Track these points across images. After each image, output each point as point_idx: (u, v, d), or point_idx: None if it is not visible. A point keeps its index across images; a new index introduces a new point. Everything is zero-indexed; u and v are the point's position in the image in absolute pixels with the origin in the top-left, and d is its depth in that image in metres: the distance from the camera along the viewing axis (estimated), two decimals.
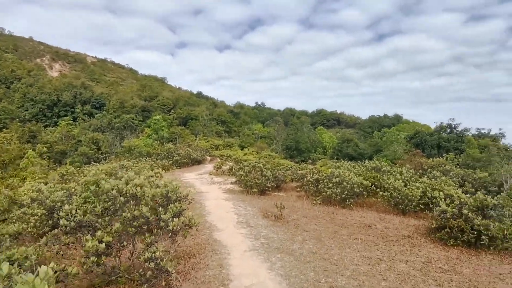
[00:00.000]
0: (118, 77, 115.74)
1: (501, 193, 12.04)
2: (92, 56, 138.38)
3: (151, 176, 14.69)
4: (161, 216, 7.05)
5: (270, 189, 17.45)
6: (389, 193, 14.71)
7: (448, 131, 38.30)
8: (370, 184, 16.51)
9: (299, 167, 26.22)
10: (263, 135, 73.38)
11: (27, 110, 63.01)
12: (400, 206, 14.28)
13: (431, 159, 23.26)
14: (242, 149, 56.53)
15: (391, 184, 15.24)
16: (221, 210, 12.18)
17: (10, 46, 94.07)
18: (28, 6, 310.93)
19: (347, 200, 14.89)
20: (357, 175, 18.02)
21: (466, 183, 16.74)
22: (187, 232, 7.06)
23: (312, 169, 21.28)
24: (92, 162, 27.93)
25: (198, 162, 42.88)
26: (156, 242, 7.00)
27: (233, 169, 23.10)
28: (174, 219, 7.01)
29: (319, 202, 15.08)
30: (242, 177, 17.40)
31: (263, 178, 17.35)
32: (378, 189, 16.59)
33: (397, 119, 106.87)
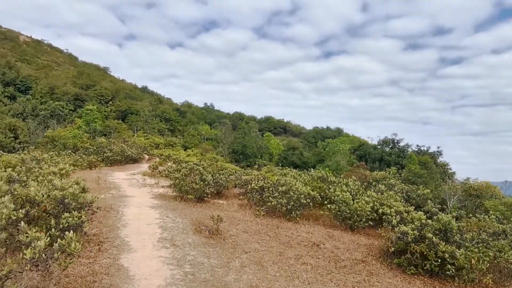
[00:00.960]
0: (53, 60, 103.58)
1: (444, 211, 11.51)
2: (27, 36, 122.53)
3: (53, 173, 11.61)
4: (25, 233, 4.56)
5: (209, 195, 15.30)
6: (336, 206, 13.56)
7: (391, 146, 40.00)
8: (317, 194, 15.32)
9: (244, 172, 24.46)
10: (209, 137, 70.62)
11: None
12: (348, 221, 13.18)
13: (375, 172, 23.22)
14: (185, 150, 53.27)
15: (339, 196, 14.13)
16: (142, 222, 9.72)
17: None
18: None
19: (293, 212, 13.42)
20: (304, 185, 16.80)
21: (410, 199, 16.46)
22: (66, 262, 4.66)
23: (258, 175, 19.63)
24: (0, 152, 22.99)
25: (134, 160, 38.89)
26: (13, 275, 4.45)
27: (167, 171, 20.53)
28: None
29: (262, 213, 13.34)
30: (178, 180, 14.98)
31: (202, 182, 15.13)
32: (325, 201, 15.48)
33: (338, 132, 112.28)
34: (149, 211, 11.28)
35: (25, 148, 30.67)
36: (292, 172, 21.93)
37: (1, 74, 58.66)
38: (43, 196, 6.90)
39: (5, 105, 51.19)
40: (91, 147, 37.11)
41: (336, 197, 14.28)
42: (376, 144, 39.49)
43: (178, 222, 10.17)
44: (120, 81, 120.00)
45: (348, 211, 13.19)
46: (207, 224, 10.14)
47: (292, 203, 13.50)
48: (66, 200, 7.15)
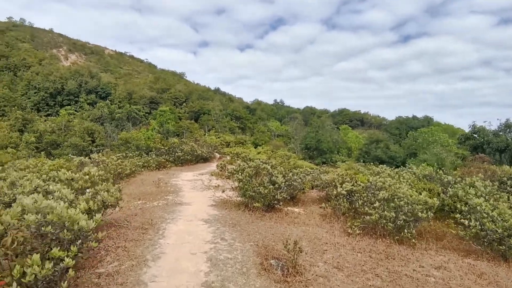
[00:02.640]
0: (133, 69, 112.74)
1: None
2: (111, 50, 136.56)
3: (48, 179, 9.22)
4: None
5: (281, 202, 11.82)
6: (476, 222, 8.86)
7: None
8: (436, 202, 10.66)
9: (322, 170, 20.42)
10: (280, 134, 67.52)
11: (30, 98, 59.93)
12: (499, 246, 8.41)
13: (504, 166, 16.98)
14: (255, 147, 51.05)
15: (477, 205, 9.36)
16: (185, 249, 6.66)
17: (27, 36, 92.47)
18: (57, 5, 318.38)
19: (406, 230, 9.12)
20: (409, 187, 12.23)
21: None
22: None
23: (343, 175, 15.47)
24: (71, 157, 23.10)
25: (205, 159, 37.78)
26: None
27: (231, 171, 17.65)
28: None
29: (357, 231, 9.32)
30: (241, 183, 11.86)
31: (272, 186, 11.73)
32: (450, 212, 10.86)
33: (427, 120, 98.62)
34: (200, 229, 8.25)
35: (101, 150, 31.54)
36: (387, 170, 17.12)
37: (84, 83, 64.65)
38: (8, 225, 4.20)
39: (85, 111, 55.90)
40: (163, 147, 36.92)
41: (471, 207, 9.56)
42: (497, 129, 31.12)
43: (237, 249, 6.86)
44: (194, 84, 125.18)
45: (498, 231, 8.42)
46: (279, 254, 6.65)
47: (404, 217, 9.24)
48: (47, 229, 4.36)
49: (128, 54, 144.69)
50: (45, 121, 47.96)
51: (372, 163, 42.55)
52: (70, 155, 21.72)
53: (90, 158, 20.25)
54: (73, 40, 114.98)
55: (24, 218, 4.29)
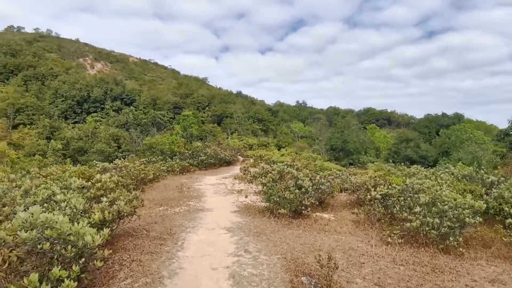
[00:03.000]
0: (158, 76, 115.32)
1: None
2: (136, 58, 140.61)
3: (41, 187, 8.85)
4: None
5: (309, 208, 10.99)
6: None
7: None
8: (483, 205, 9.49)
9: (350, 172, 19.33)
10: (303, 135, 66.22)
11: (57, 107, 62.41)
12: None
13: None
14: (279, 149, 50.17)
15: None
16: (205, 263, 6.05)
17: (54, 46, 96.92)
18: (84, 14, 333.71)
19: (451, 238, 8.09)
20: (450, 189, 11.09)
21: None
22: None
23: (375, 177, 14.39)
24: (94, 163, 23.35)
25: (228, 163, 37.46)
26: None
27: (253, 174, 17.03)
28: None
29: (398, 240, 8.36)
30: (266, 187, 11.17)
31: (298, 190, 10.96)
32: (495, 215, 9.77)
33: (458, 118, 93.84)
34: (222, 239, 7.63)
35: (126, 156, 31.95)
36: (422, 170, 15.84)
37: (110, 90, 66.50)
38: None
39: (110, 118, 57.28)
40: (187, 151, 37.00)
41: None
42: None
43: (263, 263, 6.16)
44: (216, 88, 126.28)
45: None
46: (311, 269, 5.88)
47: (448, 223, 8.21)
48: (45, 246, 3.85)
49: (152, 61, 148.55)
50: (72, 128, 49.67)
51: (402, 164, 40.53)
52: (94, 161, 21.92)
53: (114, 163, 20.31)
54: (99, 49, 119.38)
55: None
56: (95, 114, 61.14)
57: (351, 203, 13.78)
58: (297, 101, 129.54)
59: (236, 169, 34.52)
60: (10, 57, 75.66)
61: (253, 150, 48.79)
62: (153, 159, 25.25)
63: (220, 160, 35.43)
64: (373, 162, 43.67)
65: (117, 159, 27.44)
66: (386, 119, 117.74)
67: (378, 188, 11.83)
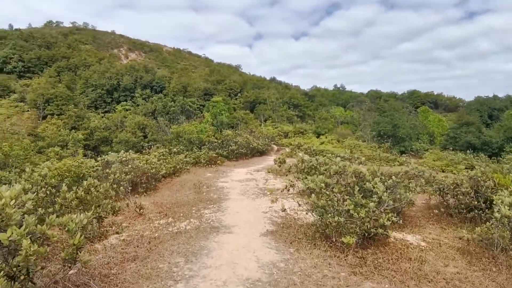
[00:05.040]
0: (190, 64, 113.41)
1: None
2: (170, 47, 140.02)
3: None
4: None
5: (386, 229, 6.73)
6: None
7: None
8: None
9: (432, 168, 14.60)
10: (344, 121, 60.43)
11: (87, 96, 61.96)
12: None
13: None
14: (318, 137, 45.33)
15: None
16: None
17: (89, 38, 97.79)
18: (123, 11, 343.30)
19: None
20: None
21: None
22: None
23: (474, 175, 9.67)
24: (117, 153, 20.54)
25: (260, 152, 33.61)
26: None
27: (297, 170, 12.98)
28: None
29: None
30: (314, 197, 7.05)
31: (372, 203, 6.71)
32: None
33: (510, 100, 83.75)
34: None
35: (152, 146, 29.32)
36: None
37: (139, 78, 64.74)
38: None
39: (137, 106, 55.47)
40: (216, 140, 33.67)
41: None
42: None
43: None
44: (249, 75, 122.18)
45: None
46: None
47: None
48: None
49: (185, 50, 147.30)
50: (102, 117, 48.52)
51: (460, 151, 34.47)
52: (110, 152, 19.06)
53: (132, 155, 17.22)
54: (133, 40, 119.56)
55: None
56: (125, 103, 59.95)
57: (433, 211, 9.33)
58: (335, 85, 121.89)
59: (269, 160, 30.61)
60: (45, 49, 77.04)
61: (289, 138, 44.48)
62: (174, 149, 21.95)
63: (252, 149, 31.70)
64: (427, 150, 37.57)
65: (144, 149, 24.65)
66: (432, 102, 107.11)
67: (481, 188, 7.38)
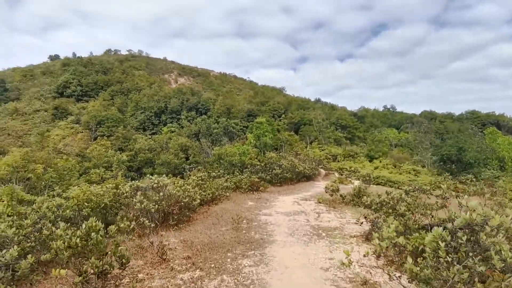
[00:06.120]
0: (235, 87, 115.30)
1: None
2: (216, 72, 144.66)
3: None
4: None
5: None
6: None
7: None
8: None
9: None
10: (398, 143, 55.23)
11: (136, 118, 64.17)
12: None
13: None
14: (370, 161, 41.26)
15: None
16: None
17: (142, 64, 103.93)
18: (176, 40, 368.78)
19: None
20: None
21: None
22: None
23: None
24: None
25: (307, 177, 30.92)
26: None
27: (362, 203, 10.31)
28: None
29: None
30: (411, 265, 4.41)
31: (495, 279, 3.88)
32: None
33: None
34: None
35: (193, 168, 28.10)
36: None
37: (186, 100, 65.91)
38: None
39: (182, 127, 55.75)
40: (259, 163, 31.74)
41: None
42: None
43: None
44: (293, 97, 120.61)
45: None
46: None
47: None
48: None
49: (231, 74, 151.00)
50: (148, 139, 49.40)
51: None
52: (148, 176, 17.84)
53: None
54: (183, 66, 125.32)
55: None
56: (171, 124, 61.05)
57: None
58: (384, 106, 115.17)
59: (318, 186, 27.74)
60: (102, 74, 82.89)
61: (338, 161, 41.05)
62: (213, 173, 20.19)
63: (298, 174, 29.15)
64: (497, 177, 31.94)
65: (185, 172, 23.32)
66: (494, 123, 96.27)
67: None
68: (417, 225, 7.56)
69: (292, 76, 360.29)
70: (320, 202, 17.09)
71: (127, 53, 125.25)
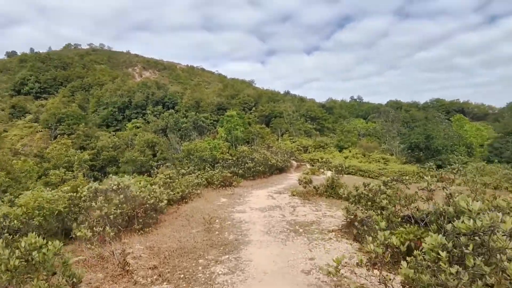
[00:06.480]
0: (204, 80, 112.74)
1: None
2: (183, 65, 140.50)
3: None
4: None
5: None
6: None
7: None
8: None
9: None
10: (366, 133, 56.62)
11: (98, 115, 60.75)
12: None
13: None
14: (340, 151, 41.80)
15: None
16: None
17: (104, 58, 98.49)
18: (141, 33, 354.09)
19: None
20: None
21: None
22: None
23: None
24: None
25: (280, 170, 30.56)
26: None
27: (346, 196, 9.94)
28: None
29: None
30: (406, 270, 3.88)
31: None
32: None
33: None
34: None
35: (161, 165, 26.73)
36: None
37: (151, 94, 63.22)
38: None
39: (148, 123, 53.32)
40: (231, 158, 30.94)
41: None
42: None
43: None
44: (263, 89, 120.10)
45: None
46: None
47: None
48: None
49: (199, 67, 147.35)
50: (111, 136, 46.59)
51: (505, 163, 30.42)
52: (111, 176, 16.47)
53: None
54: (147, 59, 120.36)
55: None
56: (136, 120, 58.20)
57: None
58: (351, 97, 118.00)
59: (291, 178, 27.43)
60: (61, 70, 77.41)
61: (309, 152, 41.16)
62: (182, 170, 19.15)
63: (271, 167, 28.69)
64: (465, 163, 33.42)
65: (153, 169, 22.01)
66: (458, 111, 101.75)
67: None
68: (399, 218, 7.22)
69: (261, 69, 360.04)
70: (294, 195, 16.68)
71: (88, 47, 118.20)
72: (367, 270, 3.85)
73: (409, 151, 37.15)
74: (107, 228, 9.20)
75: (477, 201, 4.79)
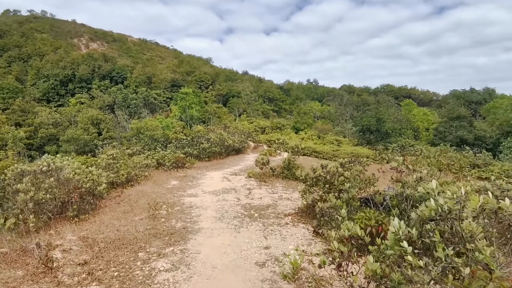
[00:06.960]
0: (157, 55, 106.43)
1: None
2: (135, 38, 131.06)
3: None
4: None
5: None
6: None
7: None
8: None
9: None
10: (321, 116, 57.86)
11: (38, 88, 54.62)
12: None
13: None
14: (297, 133, 42.16)
15: None
16: None
17: (46, 26, 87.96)
18: (89, 2, 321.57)
19: None
20: None
21: None
22: None
23: None
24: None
25: (237, 151, 29.92)
26: None
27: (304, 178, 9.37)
28: None
29: None
30: (373, 265, 3.37)
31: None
32: None
33: (488, 93, 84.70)
34: None
35: (106, 145, 24.58)
36: None
37: (97, 67, 57.84)
38: None
39: (94, 98, 48.78)
40: (185, 137, 29.50)
41: None
42: None
43: None
44: (221, 68, 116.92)
45: None
46: None
47: None
48: None
49: (153, 41, 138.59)
50: (55, 112, 41.85)
51: (450, 146, 32.96)
52: (45, 156, 14.46)
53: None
54: (95, 29, 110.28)
55: None
56: (80, 95, 52.84)
57: None
58: (308, 80, 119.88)
59: (248, 159, 26.94)
60: None
61: (266, 134, 40.93)
62: (128, 150, 17.59)
63: (227, 148, 27.90)
64: (412, 146, 35.49)
65: (97, 149, 20.05)
66: (406, 96, 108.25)
67: None
68: (357, 202, 6.90)
69: (219, 48, 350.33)
70: (250, 177, 16.13)
71: (28, 14, 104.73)
72: (331, 270, 3.26)
73: (361, 133, 38.67)
74: (31, 216, 7.89)
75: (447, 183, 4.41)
